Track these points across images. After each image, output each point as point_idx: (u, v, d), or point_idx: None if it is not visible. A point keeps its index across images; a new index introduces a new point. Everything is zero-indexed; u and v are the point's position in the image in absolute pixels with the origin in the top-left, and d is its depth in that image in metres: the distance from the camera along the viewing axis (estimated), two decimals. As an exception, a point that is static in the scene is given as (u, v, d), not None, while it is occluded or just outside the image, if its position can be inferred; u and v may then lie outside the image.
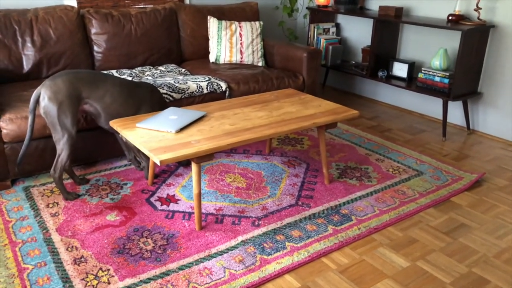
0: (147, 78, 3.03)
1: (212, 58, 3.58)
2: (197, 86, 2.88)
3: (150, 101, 2.42)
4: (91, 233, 1.99)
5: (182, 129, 2.09)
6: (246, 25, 3.60)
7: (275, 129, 2.14)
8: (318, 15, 4.29)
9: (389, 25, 3.75)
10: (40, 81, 2.91)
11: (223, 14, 3.74)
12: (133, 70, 3.21)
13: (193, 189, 1.99)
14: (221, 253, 1.89)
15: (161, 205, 2.25)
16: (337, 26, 4.44)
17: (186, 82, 2.89)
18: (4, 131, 2.25)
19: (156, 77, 3.08)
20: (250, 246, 1.95)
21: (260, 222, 2.12)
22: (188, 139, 1.99)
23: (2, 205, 2.21)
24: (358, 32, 4.27)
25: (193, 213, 2.20)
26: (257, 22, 3.65)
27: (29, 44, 2.89)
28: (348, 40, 4.40)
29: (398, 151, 3.02)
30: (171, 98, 2.75)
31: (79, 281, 1.70)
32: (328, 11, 4.07)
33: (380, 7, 3.73)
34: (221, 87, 2.97)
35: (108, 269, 1.76)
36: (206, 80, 2.96)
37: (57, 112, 2.10)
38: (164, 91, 2.73)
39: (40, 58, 2.93)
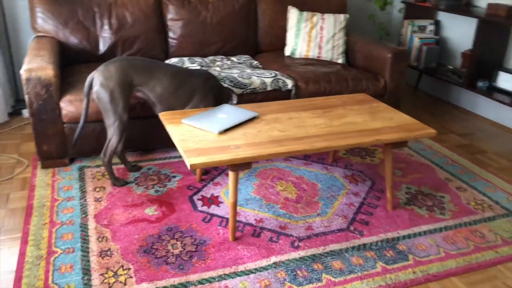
0: (215, 69, 2.93)
1: (287, 52, 3.37)
2: (261, 82, 2.70)
3: (203, 90, 2.30)
4: (125, 225, 1.95)
5: (226, 130, 1.93)
6: (329, 18, 3.31)
7: (328, 143, 1.88)
8: (415, 10, 3.81)
9: (498, 27, 3.17)
10: (115, 63, 2.96)
11: (305, 4, 3.48)
12: (205, 59, 3.13)
13: (229, 197, 1.84)
14: (248, 272, 1.72)
15: (202, 206, 2.14)
16: (437, 24, 3.91)
17: (251, 77, 2.72)
18: (63, 111, 2.31)
19: (224, 69, 2.96)
20: (281, 270, 1.74)
21: (300, 244, 1.90)
22: (229, 142, 1.83)
23: (55, 182, 2.28)
24: (461, 32, 3.72)
25: (232, 220, 2.05)
26: (342, 15, 3.33)
27: (106, 27, 2.95)
28: (448, 41, 3.86)
29: (488, 180, 2.54)
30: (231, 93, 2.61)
31: (98, 275, 1.66)
32: (426, 6, 3.58)
33: (489, 5, 3.17)
34: (287, 85, 2.75)
35: (129, 269, 1.70)
36: (272, 76, 2.76)
37: (109, 98, 2.09)
38: (226, 85, 2.60)
39: (116, 40, 2.97)
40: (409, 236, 1.99)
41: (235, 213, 1.87)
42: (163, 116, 2.07)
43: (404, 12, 3.82)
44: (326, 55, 3.31)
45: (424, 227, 2.07)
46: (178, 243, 1.86)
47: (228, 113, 2.07)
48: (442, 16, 3.88)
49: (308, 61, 3.22)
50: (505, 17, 3.04)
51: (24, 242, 1.83)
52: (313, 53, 3.32)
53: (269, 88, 2.71)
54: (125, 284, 1.63)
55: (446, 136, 3.20)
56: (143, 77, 2.16)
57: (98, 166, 2.46)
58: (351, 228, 2.03)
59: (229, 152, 1.75)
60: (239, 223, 2.02)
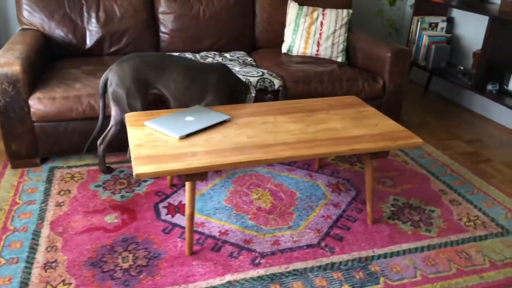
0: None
1: (284, 49, 3.19)
2: (245, 81, 2.54)
3: (217, 85, 2.19)
4: (80, 234, 1.85)
5: (189, 135, 1.79)
6: (330, 13, 3.11)
7: (295, 151, 1.72)
8: (426, 5, 3.55)
9: (511, 25, 2.90)
10: (101, 58, 2.87)
11: (309, -2, 3.29)
12: (196, 55, 3.00)
13: (186, 208, 1.71)
14: (198, 291, 1.59)
15: (166, 214, 2.02)
16: (450, 21, 3.64)
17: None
18: (32, 109, 2.23)
19: (212, 66, 2.82)
20: (235, 290, 1.60)
21: (261, 261, 1.75)
22: (188, 149, 1.69)
23: (21, 184, 2.21)
24: (474, 30, 3.44)
25: (195, 230, 1.92)
26: (344, 10, 3.13)
27: (93, 20, 2.85)
28: (461, 40, 3.58)
29: (487, 193, 2.31)
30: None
31: (37, 289, 1.56)
32: (437, 2, 3.31)
33: (503, 1, 2.90)
34: (274, 85, 2.59)
35: (70, 283, 1.59)
36: (259, 75, 2.60)
37: (126, 98, 2.04)
38: (242, 78, 2.47)
39: (103, 34, 2.88)
40: (385, 256, 1.81)
41: (191, 225, 1.73)
42: (128, 118, 1.95)
43: (414, 8, 3.56)
44: (324, 53, 3.12)
45: (405, 246, 1.88)
46: (130, 255, 1.75)
47: (197, 116, 1.93)
48: (456, 12, 3.60)
49: (305, 59, 3.04)
50: (520, 14, 2.77)
51: (-26, 247, 1.76)
52: (311, 51, 3.14)
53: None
54: (63, 299, 1.53)
55: (450, 142, 2.96)
56: (157, 73, 2.08)
57: (69, 167, 2.38)
58: (322, 244, 1.86)
59: (184, 160, 1.62)
60: (201, 235, 1.89)
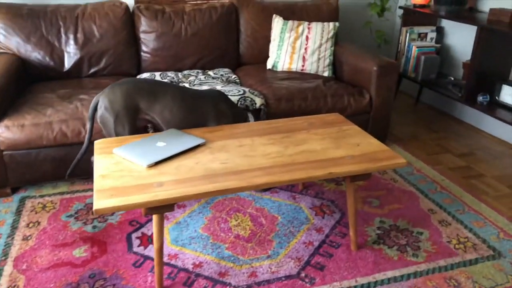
0: (184, 85, 2.71)
1: (269, 65, 3.12)
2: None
3: (215, 114, 2.11)
4: (45, 271, 1.75)
5: (158, 163, 1.70)
6: (316, 27, 3.04)
7: (271, 177, 1.62)
8: (414, 16, 3.48)
9: (501, 35, 2.82)
10: (80, 80, 2.80)
11: (293, 13, 3.22)
12: (178, 74, 2.93)
13: (154, 242, 1.61)
14: (167, 332, 1.48)
15: (138, 246, 1.91)
16: (439, 30, 3.56)
17: (214, 95, 2.48)
18: (0, 138, 2.14)
19: (194, 85, 2.74)
20: (207, 330, 1.49)
21: (236, 296, 1.65)
22: (155, 178, 1.60)
23: (-10, 216, 2.11)
24: (464, 40, 3.36)
25: (168, 263, 1.82)
26: (331, 24, 3.06)
27: (71, 42, 2.79)
28: (451, 50, 3.51)
29: (479, 212, 2.21)
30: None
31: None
32: (426, 12, 3.24)
33: (491, 10, 2.82)
34: (255, 103, 2.50)
35: (30, 327, 1.49)
36: (240, 94, 2.51)
37: (113, 123, 1.96)
38: (240, 105, 2.40)
39: (82, 56, 2.81)
40: (368, 285, 1.70)
41: (161, 260, 1.63)
42: (97, 145, 1.87)
43: (402, 19, 3.49)
44: (310, 68, 3.05)
45: (390, 273, 1.77)
46: (97, 293, 1.64)
47: (169, 141, 1.84)
48: (445, 22, 3.53)
49: (290, 75, 2.96)
50: (509, 24, 2.68)
51: None
52: (296, 66, 3.06)
53: (233, 108, 2.47)
54: None
55: (440, 157, 2.86)
56: (149, 100, 2.01)
57: (42, 196, 2.28)
58: (302, 274, 1.75)
59: (149, 192, 1.52)
60: (174, 268, 1.79)
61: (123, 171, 1.65)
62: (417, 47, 3.42)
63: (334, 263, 1.82)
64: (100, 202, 1.45)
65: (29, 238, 1.95)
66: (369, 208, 2.22)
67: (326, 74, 3.04)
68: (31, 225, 2.04)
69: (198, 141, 1.86)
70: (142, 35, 2.96)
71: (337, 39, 3.21)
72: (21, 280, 1.70)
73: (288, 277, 1.74)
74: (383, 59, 2.76)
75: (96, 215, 1.82)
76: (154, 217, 1.57)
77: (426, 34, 3.55)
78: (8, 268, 1.76)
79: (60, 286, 1.68)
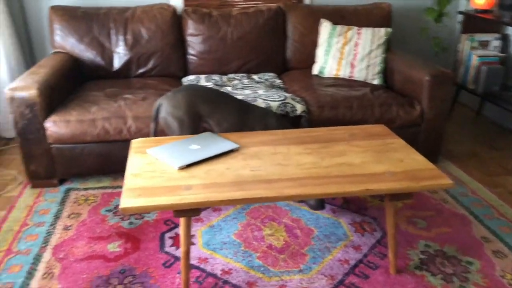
0: (226, 89, 2.71)
1: (315, 70, 3.03)
2: (266, 106, 2.41)
3: (260, 128, 2.15)
4: (79, 261, 1.80)
5: (190, 165, 1.69)
6: (366, 32, 2.92)
7: (302, 189, 1.55)
8: (475, 22, 3.23)
9: None
10: (129, 80, 2.89)
11: (343, 17, 3.12)
12: (222, 77, 2.93)
13: (181, 245, 1.59)
14: None
15: (171, 246, 1.91)
16: (505, 38, 3.29)
17: (256, 100, 2.45)
18: (48, 132, 2.24)
19: (237, 89, 2.73)
20: None
21: (260, 308, 1.59)
22: (185, 181, 1.59)
23: (36, 205, 2.21)
24: (533, 51, 3.07)
25: (197, 266, 1.80)
26: (382, 29, 2.92)
27: (121, 43, 2.88)
28: (518, 61, 3.22)
29: (540, 243, 1.99)
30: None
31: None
32: (488, 18, 3.00)
33: None
34: (296, 110, 2.43)
35: (57, 318, 1.53)
36: (281, 100, 2.46)
37: (178, 127, 2.05)
38: (285, 122, 2.38)
39: (130, 57, 2.89)
40: (404, 315, 1.58)
41: (187, 263, 1.61)
42: (133, 144, 1.89)
43: (462, 25, 3.26)
44: (359, 75, 2.93)
45: (430, 304, 1.63)
46: (123, 291, 1.66)
47: (203, 144, 1.83)
48: (511, 29, 3.25)
49: (336, 82, 2.86)
50: None
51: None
52: (344, 72, 2.96)
53: (274, 114, 2.42)
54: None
55: (501, 179, 2.62)
56: (210, 108, 2.09)
57: (86, 189, 2.36)
58: (333, 294, 1.66)
59: (177, 194, 1.51)
60: (202, 273, 1.76)
61: (155, 171, 1.65)
62: (478, 56, 3.18)
63: (369, 285, 1.71)
64: (127, 201, 1.45)
65: (69, 228, 2.02)
66: (413, 229, 2.07)
67: (375, 82, 2.91)
68: (72, 216, 2.11)
69: (232, 146, 1.83)
70: (189, 38, 2.99)
71: (390, 46, 3.06)
72: (57, 268, 1.76)
73: (317, 294, 1.66)
74: (436, 68, 2.59)
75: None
76: (181, 220, 1.56)
77: (488, 42, 3.29)
78: (46, 255, 1.83)
79: (92, 278, 1.71)
